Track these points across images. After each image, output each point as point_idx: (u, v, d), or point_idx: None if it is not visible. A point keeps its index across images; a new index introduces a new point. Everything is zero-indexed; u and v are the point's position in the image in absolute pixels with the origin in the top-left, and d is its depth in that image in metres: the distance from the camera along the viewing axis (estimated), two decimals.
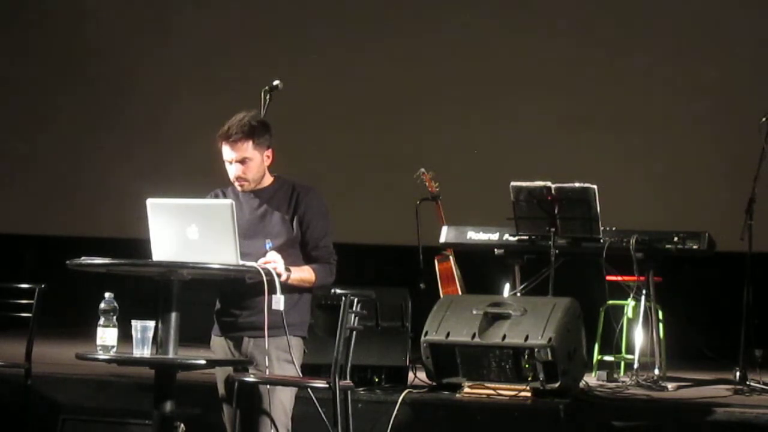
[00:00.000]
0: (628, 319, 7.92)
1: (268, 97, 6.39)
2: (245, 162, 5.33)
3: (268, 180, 5.44)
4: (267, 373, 5.16)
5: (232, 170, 5.36)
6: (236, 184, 5.38)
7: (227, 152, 5.34)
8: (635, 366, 7.61)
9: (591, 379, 7.50)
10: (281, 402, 5.26)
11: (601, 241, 7.74)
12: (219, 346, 5.42)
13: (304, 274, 5.29)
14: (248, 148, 5.33)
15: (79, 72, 11.41)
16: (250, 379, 5.16)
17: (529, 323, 6.67)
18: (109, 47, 11.30)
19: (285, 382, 5.24)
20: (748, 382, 7.35)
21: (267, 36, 10.96)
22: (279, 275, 5.10)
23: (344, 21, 10.89)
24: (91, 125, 11.35)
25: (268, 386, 5.22)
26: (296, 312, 5.29)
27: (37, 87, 11.54)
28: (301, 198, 5.39)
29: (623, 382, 7.59)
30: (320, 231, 5.38)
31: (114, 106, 11.30)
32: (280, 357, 5.22)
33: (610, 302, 8.02)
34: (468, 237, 8.23)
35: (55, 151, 11.46)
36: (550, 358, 6.55)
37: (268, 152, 5.40)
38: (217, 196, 5.42)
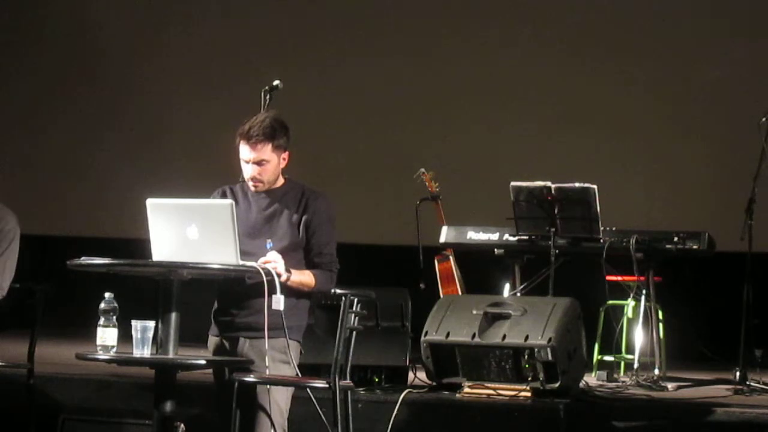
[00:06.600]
0: (628, 319, 7.92)
1: (268, 97, 6.38)
2: (262, 164, 5.29)
3: (280, 182, 5.40)
4: (266, 373, 5.16)
5: (248, 170, 5.32)
6: (250, 184, 5.36)
7: (245, 152, 5.30)
8: (635, 366, 7.61)
9: (591, 379, 7.49)
10: (276, 402, 5.23)
11: (601, 241, 7.74)
12: (215, 346, 5.41)
13: (304, 277, 5.27)
14: (267, 151, 5.28)
15: (81, 73, 11.41)
16: (250, 379, 5.16)
17: (529, 323, 6.66)
18: (112, 49, 11.29)
19: (286, 383, 5.24)
20: (748, 382, 7.35)
21: (268, 38, 10.95)
22: (279, 275, 5.10)
23: (345, 22, 10.89)
24: (92, 126, 11.34)
25: (264, 386, 5.21)
26: (293, 315, 5.26)
27: (39, 88, 11.53)
28: (310, 202, 5.35)
29: (623, 382, 7.59)
30: (326, 237, 5.35)
31: (115, 108, 11.29)
32: (275, 357, 5.20)
33: (610, 302, 8.02)
34: (468, 237, 8.23)
35: (55, 151, 11.46)
36: (550, 358, 6.54)
37: (285, 155, 5.35)
38: (224, 193, 5.39)
